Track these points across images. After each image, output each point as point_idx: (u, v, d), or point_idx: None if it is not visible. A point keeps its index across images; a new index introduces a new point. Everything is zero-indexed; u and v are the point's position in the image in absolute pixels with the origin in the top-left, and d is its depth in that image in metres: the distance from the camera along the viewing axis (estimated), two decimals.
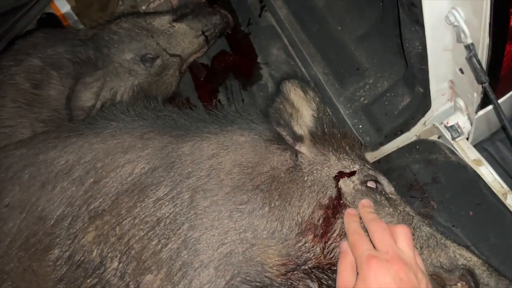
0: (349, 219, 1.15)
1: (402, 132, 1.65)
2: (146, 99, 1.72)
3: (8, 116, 1.88)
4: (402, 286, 0.95)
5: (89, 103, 1.89)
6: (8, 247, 1.33)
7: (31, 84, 1.93)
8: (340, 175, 1.27)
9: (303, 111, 1.38)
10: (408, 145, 1.64)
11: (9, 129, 1.87)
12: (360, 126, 1.78)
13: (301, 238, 1.19)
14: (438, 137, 1.61)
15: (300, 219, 1.20)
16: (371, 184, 1.29)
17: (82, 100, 1.89)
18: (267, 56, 2.15)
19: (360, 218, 1.16)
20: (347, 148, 1.36)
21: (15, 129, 1.87)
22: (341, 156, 1.33)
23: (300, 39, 2.06)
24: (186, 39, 2.15)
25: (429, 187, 1.51)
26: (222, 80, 2.26)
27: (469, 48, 1.17)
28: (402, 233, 1.05)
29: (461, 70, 1.35)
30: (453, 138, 1.55)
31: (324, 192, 1.24)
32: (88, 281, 1.23)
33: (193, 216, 1.21)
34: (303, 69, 2.03)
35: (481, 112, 1.45)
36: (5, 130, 1.87)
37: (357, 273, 1.01)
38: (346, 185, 1.26)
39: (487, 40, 1.15)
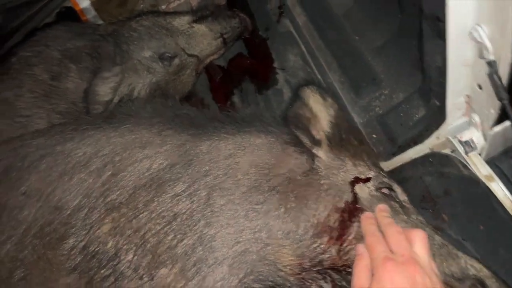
0: (366, 222, 1.17)
1: (416, 143, 1.66)
2: (163, 97, 1.74)
3: (25, 106, 1.91)
4: (417, 284, 0.96)
5: (106, 97, 1.91)
6: (23, 235, 1.35)
7: (49, 76, 1.96)
8: (356, 180, 1.29)
9: (321, 117, 1.40)
10: (421, 157, 1.65)
11: (25, 119, 1.89)
12: (374, 136, 1.79)
13: (316, 239, 1.21)
14: (452, 151, 1.62)
15: (316, 221, 1.22)
16: (385, 191, 1.31)
17: (100, 94, 1.91)
18: (284, 62, 2.18)
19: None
20: (363, 155, 1.38)
21: (31, 119, 1.89)
22: (357, 162, 1.35)
23: (317, 47, 2.08)
24: (204, 41, 2.17)
25: (440, 199, 1.53)
26: (238, 83, 2.28)
27: (491, 65, 1.18)
28: (418, 237, 1.07)
29: (479, 86, 1.37)
30: (466, 153, 1.57)
31: (341, 196, 1.26)
32: (101, 271, 1.24)
33: (209, 213, 1.22)
34: (319, 76, 2.05)
35: (497, 129, 1.46)
36: (22, 119, 1.89)
37: (373, 275, 1.03)
38: (362, 190, 1.28)
39: (509, 58, 1.16)
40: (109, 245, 1.25)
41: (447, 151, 1.64)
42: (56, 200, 1.36)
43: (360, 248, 1.12)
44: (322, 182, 1.28)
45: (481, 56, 1.21)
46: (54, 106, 1.93)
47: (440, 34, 1.27)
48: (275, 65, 2.20)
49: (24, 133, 1.72)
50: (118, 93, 1.95)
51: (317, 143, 1.35)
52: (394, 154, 1.72)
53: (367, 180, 1.30)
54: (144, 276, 1.20)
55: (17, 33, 2.39)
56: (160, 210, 1.24)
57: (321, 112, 1.41)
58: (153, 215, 1.24)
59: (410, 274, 0.98)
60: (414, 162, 1.67)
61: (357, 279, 1.05)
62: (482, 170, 1.55)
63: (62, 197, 1.36)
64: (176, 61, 2.10)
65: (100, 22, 2.48)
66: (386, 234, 1.09)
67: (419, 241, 1.06)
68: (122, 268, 1.22)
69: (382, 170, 1.40)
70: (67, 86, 1.96)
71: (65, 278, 1.29)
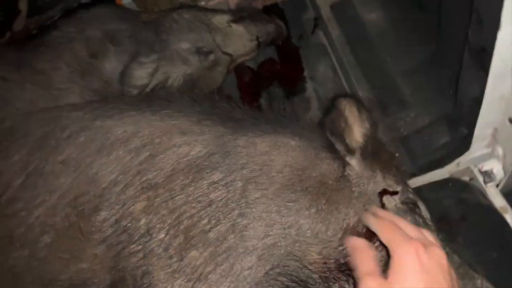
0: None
1: (436, 167, 1.72)
2: (196, 89, 1.78)
3: (60, 79, 1.94)
4: (444, 271, 0.95)
5: (142, 81, 1.95)
6: (56, 201, 1.38)
7: (88, 53, 1.99)
8: (384, 192, 1.34)
9: (356, 128, 1.45)
10: (441, 180, 1.71)
11: (59, 92, 1.92)
12: (396, 155, 1.84)
13: (343, 242, 1.25)
14: (470, 179, 1.68)
15: (345, 225, 1.27)
16: (410, 206, 1.36)
17: (135, 77, 1.96)
18: (314, 72, 2.24)
19: None
20: (392, 170, 1.43)
21: (65, 92, 1.92)
22: (386, 175, 1.40)
23: (348, 62, 2.15)
24: (240, 41, 2.22)
25: (457, 223, 1.58)
26: (266, 86, 2.33)
27: None
28: (429, 233, 1.10)
29: (510, 120, 1.43)
30: (485, 183, 1.63)
31: (370, 205, 1.31)
32: (131, 246, 1.28)
33: (244, 204, 1.27)
34: (347, 91, 2.11)
35: None
36: (56, 92, 1.91)
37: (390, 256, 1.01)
38: (389, 202, 1.33)
39: None
40: (142, 222, 1.29)
41: (465, 178, 1.70)
42: (93, 173, 1.39)
43: (354, 239, 1.15)
44: (353, 189, 1.33)
45: None
46: (89, 83, 1.96)
47: (482, 65, 1.33)
48: (305, 74, 2.25)
49: (56, 106, 1.76)
50: (154, 80, 1.99)
51: (351, 152, 1.40)
52: (414, 175, 1.77)
53: (395, 193, 1.35)
54: (174, 256, 1.23)
55: (53, 8, 2.43)
56: (196, 195, 1.28)
57: (356, 124, 1.45)
58: (190, 198, 1.28)
59: (437, 255, 0.96)
60: (433, 185, 1.72)
61: (363, 267, 1.02)
62: (497, 201, 1.61)
63: (99, 170, 1.39)
64: (212, 56, 2.14)
65: (135, 9, 2.52)
66: (400, 225, 1.09)
67: (430, 237, 1.07)
68: (152, 246, 1.26)
69: (408, 186, 1.45)
70: (104, 66, 1.99)
71: (92, 249, 1.33)
